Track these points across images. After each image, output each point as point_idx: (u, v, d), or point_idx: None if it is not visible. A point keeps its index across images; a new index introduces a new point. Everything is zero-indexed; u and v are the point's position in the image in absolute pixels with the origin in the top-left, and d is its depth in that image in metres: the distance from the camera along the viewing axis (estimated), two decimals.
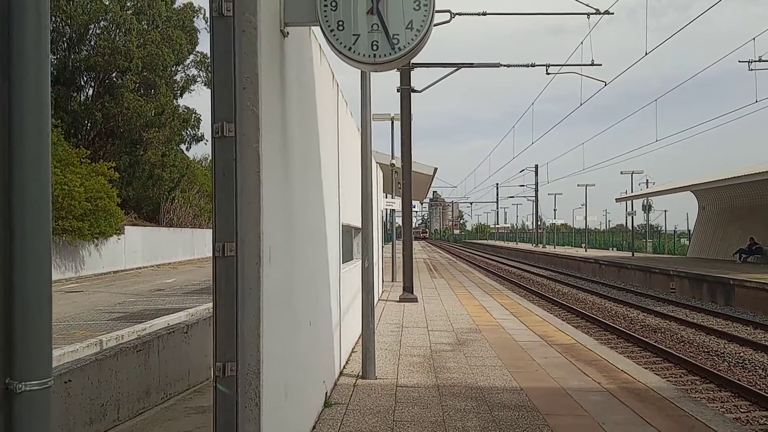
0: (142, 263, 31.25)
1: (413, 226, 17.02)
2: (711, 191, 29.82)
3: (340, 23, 4.04)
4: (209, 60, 3.13)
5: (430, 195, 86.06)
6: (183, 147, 43.13)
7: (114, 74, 35.15)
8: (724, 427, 5.09)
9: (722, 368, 10.27)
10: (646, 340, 12.39)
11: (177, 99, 40.38)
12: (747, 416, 7.61)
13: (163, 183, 38.30)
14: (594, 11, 16.00)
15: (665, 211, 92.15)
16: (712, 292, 19.31)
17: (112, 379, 5.02)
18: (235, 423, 2.95)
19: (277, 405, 3.64)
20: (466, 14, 14.58)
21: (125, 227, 29.68)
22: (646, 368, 8.79)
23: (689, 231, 40.75)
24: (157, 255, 33.25)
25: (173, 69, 39.40)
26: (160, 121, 36.52)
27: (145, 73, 35.60)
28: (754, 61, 17.18)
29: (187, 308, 11.35)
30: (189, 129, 41.48)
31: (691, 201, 33.24)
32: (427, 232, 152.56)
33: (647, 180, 54.05)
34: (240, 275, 2.98)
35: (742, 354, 11.23)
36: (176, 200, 39.41)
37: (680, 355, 10.83)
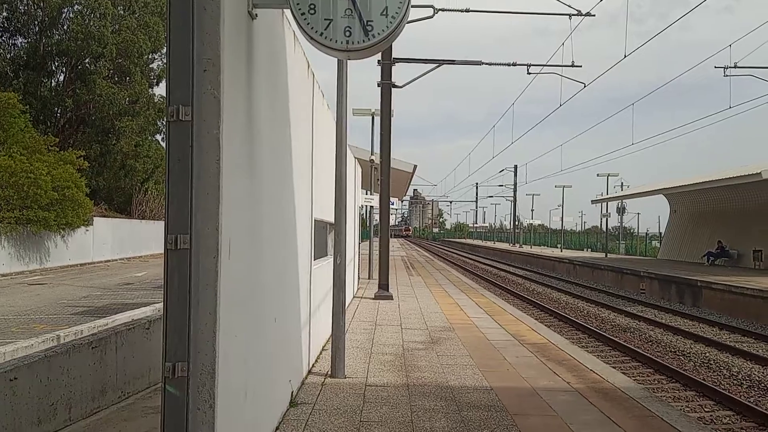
0: (112, 256, 30.59)
1: (394, 223, 16.87)
2: (682, 195, 30.26)
3: (312, 7, 3.86)
4: (166, 40, 2.92)
5: (410, 193, 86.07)
6: (158, 137, 42.42)
7: (87, 60, 34.33)
8: (689, 427, 5.08)
9: (688, 368, 10.35)
10: (616, 339, 12.46)
11: (153, 87, 39.70)
12: (711, 416, 7.66)
13: (135, 174, 37.59)
14: (576, 12, 16.02)
15: (638, 213, 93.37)
16: (680, 293, 19.57)
17: (63, 377, 4.77)
18: (185, 426, 2.77)
19: (236, 406, 3.46)
20: (449, 10, 14.46)
21: (94, 218, 28.98)
22: (615, 368, 8.78)
23: (660, 233, 41.35)
24: (127, 248, 32.58)
25: (149, 56, 38.65)
26: (134, 109, 35.81)
27: (119, 60, 34.84)
28: (730, 68, 17.37)
29: (155, 303, 11.06)
30: (164, 119, 40.69)
31: (663, 204, 33.72)
32: (410, 230, 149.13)
33: (622, 183, 54.76)
34: (194, 270, 2.79)
35: (707, 354, 11.35)
36: (149, 192, 38.67)
37: (648, 355, 10.90)
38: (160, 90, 40.42)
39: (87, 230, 27.92)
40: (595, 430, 4.92)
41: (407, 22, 4.13)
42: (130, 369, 6.05)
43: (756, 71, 17.77)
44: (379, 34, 3.94)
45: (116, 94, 33.68)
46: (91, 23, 33.29)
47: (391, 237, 16.40)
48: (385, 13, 3.96)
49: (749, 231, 25.23)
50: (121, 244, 31.80)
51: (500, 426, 4.94)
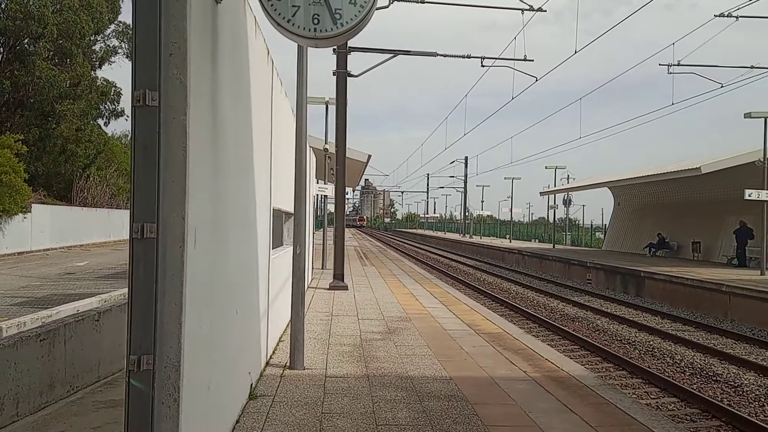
0: (51, 244, 29.36)
1: (347, 212, 16.73)
2: (626, 188, 31.35)
3: None
4: (132, 22, 2.80)
5: (362, 182, 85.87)
6: (101, 122, 40.95)
7: (26, 40, 32.68)
8: (641, 414, 5.26)
9: (634, 356, 10.75)
10: (565, 328, 12.82)
11: (95, 70, 38.21)
12: (657, 402, 7.98)
13: (77, 159, 36.12)
14: (528, 7, 16.29)
15: (584, 205, 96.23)
16: (625, 283, 20.31)
17: (10, 371, 4.54)
18: (150, 421, 2.68)
19: (199, 399, 3.38)
20: (404, 0, 14.44)
21: (32, 205, 27.74)
22: (567, 356, 9.05)
23: (604, 225, 42.76)
24: (68, 236, 31.32)
25: (92, 38, 37.14)
26: (75, 92, 34.35)
27: (60, 41, 33.32)
28: (673, 65, 18.05)
29: (100, 293, 10.68)
30: (108, 103, 39.32)
31: (608, 197, 34.86)
32: (364, 220, 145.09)
33: (569, 175, 56.26)
34: (161, 259, 2.70)
35: (651, 342, 11.82)
36: (91, 178, 37.25)
37: (596, 344, 11.27)
38: (103, 73, 39.07)
39: (25, 217, 26.71)
40: (553, 417, 5.05)
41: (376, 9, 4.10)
42: (78, 362, 5.83)
43: (698, 69, 18.53)
44: (347, 22, 3.90)
45: (57, 77, 32.21)
46: (31, 2, 31.65)
47: (347, 227, 16.34)
48: (353, 1, 3.92)
49: (688, 223, 26.39)
50: (61, 232, 30.55)
51: (461, 415, 5.00)
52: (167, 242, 2.75)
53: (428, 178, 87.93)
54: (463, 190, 63.84)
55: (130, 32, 2.86)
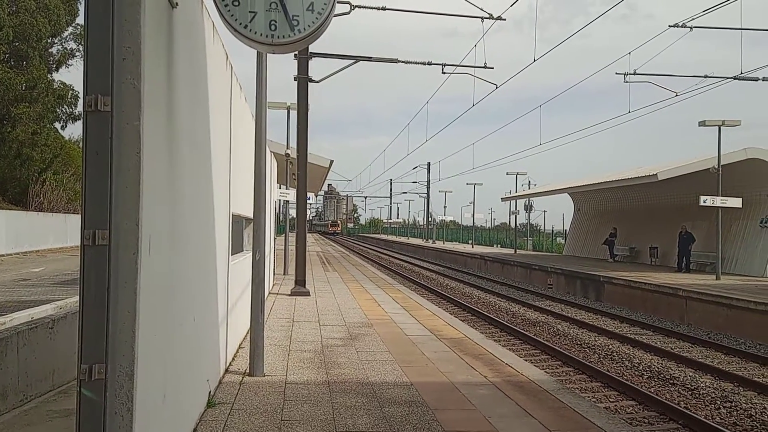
0: (5, 250, 28.38)
1: (309, 218, 16.57)
2: (585, 194, 32.04)
3: None
4: (84, 26, 2.77)
5: (324, 187, 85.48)
6: (58, 125, 39.85)
7: None
8: (599, 418, 5.37)
9: (593, 360, 10.97)
10: (526, 333, 13.02)
11: (52, 73, 37.19)
12: (615, 405, 8.15)
13: (32, 163, 35.07)
14: (488, 15, 16.54)
15: (545, 211, 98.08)
16: (584, 287, 20.74)
17: None
18: (102, 431, 2.64)
19: (154, 409, 3.33)
20: (365, 7, 14.49)
21: None
22: (528, 361, 9.19)
23: (565, 231, 43.56)
24: (23, 241, 30.33)
25: (49, 41, 36.20)
26: (31, 95, 33.41)
27: (16, 43, 32.43)
28: (629, 74, 18.53)
29: (56, 300, 10.38)
30: (65, 106, 38.31)
31: (568, 203, 35.56)
32: (338, 225, 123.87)
33: (529, 181, 57.27)
34: (113, 267, 2.66)
35: (610, 346, 12.08)
36: (48, 182, 36.20)
37: (556, 348, 11.46)
38: (60, 76, 38.20)
39: None
40: (512, 422, 5.13)
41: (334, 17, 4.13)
42: (32, 371, 5.68)
43: (653, 78, 19.05)
44: (305, 29, 3.92)
45: (12, 79, 31.31)
46: None
47: (312, 233, 16.28)
48: (311, 8, 3.95)
49: (646, 229, 27.11)
50: (16, 237, 29.57)
51: (421, 421, 5.04)
52: (120, 249, 2.72)
53: (391, 184, 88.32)
54: (425, 195, 64.29)
55: None
